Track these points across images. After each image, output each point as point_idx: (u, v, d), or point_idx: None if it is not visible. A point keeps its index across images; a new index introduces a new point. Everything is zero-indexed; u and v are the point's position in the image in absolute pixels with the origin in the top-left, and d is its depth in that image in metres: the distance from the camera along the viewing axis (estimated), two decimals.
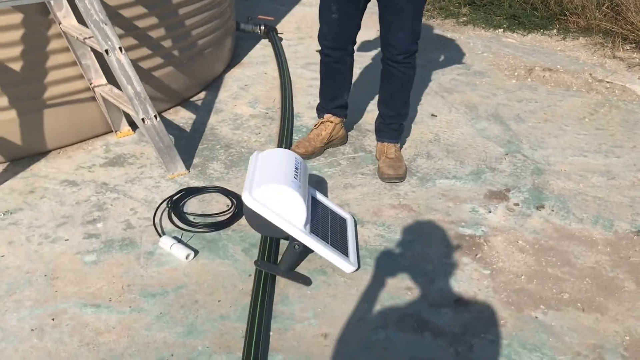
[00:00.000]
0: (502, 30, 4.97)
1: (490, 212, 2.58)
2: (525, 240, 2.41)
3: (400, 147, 3.03)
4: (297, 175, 2.11)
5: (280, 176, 2.06)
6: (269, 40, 4.54)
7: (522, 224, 2.51)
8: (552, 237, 2.43)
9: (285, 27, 4.95)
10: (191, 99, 3.61)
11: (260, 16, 4.67)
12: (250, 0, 5.68)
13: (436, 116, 3.47)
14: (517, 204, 2.64)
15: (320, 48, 2.84)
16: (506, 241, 2.40)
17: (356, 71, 3.97)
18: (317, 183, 2.76)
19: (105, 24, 2.36)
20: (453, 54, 4.47)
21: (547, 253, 2.33)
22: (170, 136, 3.09)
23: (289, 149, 2.97)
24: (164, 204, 2.52)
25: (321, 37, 2.78)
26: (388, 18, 2.60)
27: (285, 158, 2.20)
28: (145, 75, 3.15)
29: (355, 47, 2.84)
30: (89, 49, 2.71)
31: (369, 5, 2.69)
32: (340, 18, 2.66)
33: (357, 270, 2.18)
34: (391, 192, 2.72)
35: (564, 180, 2.84)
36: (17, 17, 2.58)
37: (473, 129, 3.32)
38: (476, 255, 2.31)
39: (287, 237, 2.08)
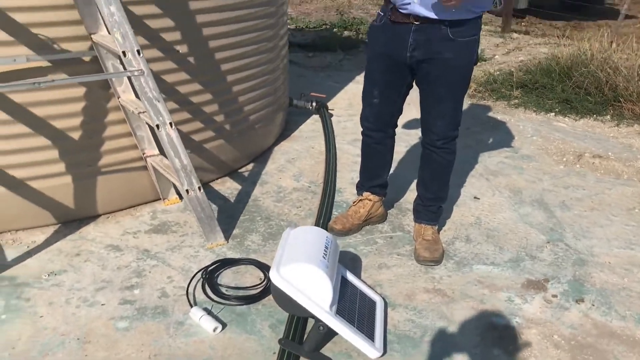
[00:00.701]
0: (553, 114, 4.95)
1: (526, 302, 2.52)
2: (562, 335, 2.32)
3: (439, 229, 3.03)
4: (326, 255, 2.14)
5: (309, 255, 2.09)
6: (320, 116, 4.67)
7: (559, 318, 2.43)
8: (590, 334, 2.33)
9: (338, 103, 5.10)
10: (239, 170, 3.74)
11: (312, 93, 4.84)
12: (305, 76, 5.90)
13: (479, 199, 3.46)
14: (555, 296, 2.57)
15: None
16: (541, 335, 2.32)
17: (401, 149, 4.03)
18: (352, 261, 2.77)
19: (158, 101, 2.52)
20: (502, 136, 4.47)
21: (584, 351, 2.24)
22: (214, 206, 3.20)
23: (327, 224, 3.02)
24: (199, 274, 2.58)
25: (363, 119, 2.86)
26: (429, 105, 2.66)
27: (316, 237, 2.24)
28: (196, 147, 3.30)
29: (401, 125, 2.90)
30: (144, 121, 2.88)
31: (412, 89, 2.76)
32: (381, 102, 2.74)
33: (382, 355, 2.15)
34: (426, 275, 2.70)
35: (607, 274, 2.75)
36: (80, 91, 2.78)
37: (516, 214, 3.28)
38: (508, 347, 2.24)
39: (313, 317, 2.09)
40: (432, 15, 2.43)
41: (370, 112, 2.82)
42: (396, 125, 2.90)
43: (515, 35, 8.38)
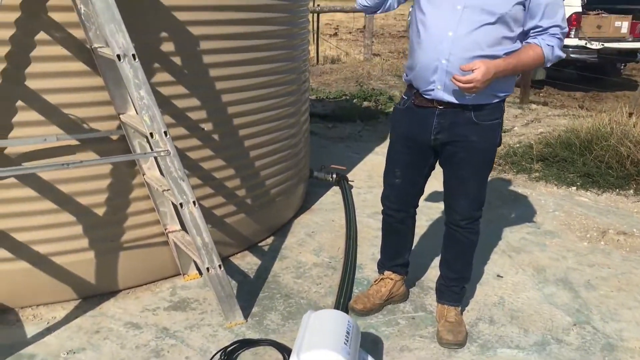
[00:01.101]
0: (575, 188, 4.92)
1: None
2: None
3: (462, 310, 2.97)
4: (348, 341, 2.10)
5: (330, 341, 2.06)
6: (340, 188, 4.70)
7: None
8: None
9: (357, 174, 5.14)
10: (259, 244, 3.74)
11: (333, 165, 4.88)
12: (325, 147, 5.97)
13: (502, 277, 3.40)
14: None
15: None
16: None
17: (422, 222, 4.01)
18: (373, 343, 2.71)
19: (182, 180, 2.56)
20: (523, 210, 4.44)
21: None
22: (233, 282, 3.19)
23: (348, 303, 2.98)
24: (218, 356, 2.54)
25: (384, 198, 2.87)
26: (452, 186, 2.67)
27: (338, 321, 2.21)
28: (217, 222, 3.33)
29: (423, 198, 2.90)
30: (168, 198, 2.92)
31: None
32: (403, 183, 2.76)
33: None
34: (450, 358, 2.63)
35: (638, 359, 2.66)
36: (106, 168, 2.85)
37: (540, 294, 3.21)
38: None
39: None
40: (455, 100, 2.47)
41: (392, 192, 2.83)
42: (417, 205, 2.90)
43: (533, 106, 8.45)
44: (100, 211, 2.88)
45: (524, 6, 2.36)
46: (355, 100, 8.53)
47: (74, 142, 2.73)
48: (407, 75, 2.66)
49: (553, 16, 2.37)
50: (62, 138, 2.68)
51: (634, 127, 5.30)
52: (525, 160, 5.48)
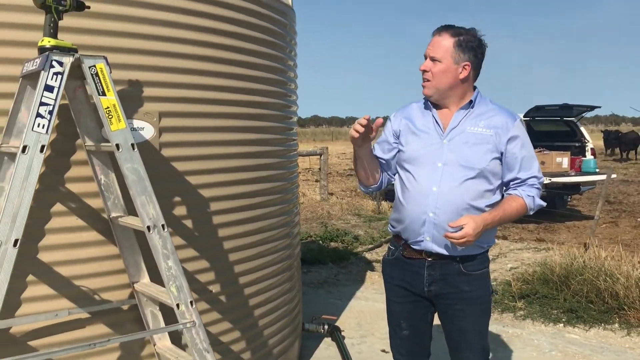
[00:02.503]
0: (562, 324, 4.97)
1: None
2: None
3: None
4: None
5: None
6: (332, 340, 4.56)
7: None
8: None
9: (346, 323, 5.02)
10: None
11: (324, 316, 4.78)
12: (306, 294, 5.87)
13: None
14: None
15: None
16: None
17: None
18: None
19: (208, 352, 2.43)
20: (521, 352, 4.40)
21: None
22: None
23: None
24: None
25: (395, 352, 2.80)
26: (454, 339, 2.64)
27: None
28: None
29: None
30: None
31: None
32: (411, 334, 2.72)
33: None
34: None
35: None
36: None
37: None
38: None
39: None
40: (444, 252, 2.52)
41: (402, 344, 2.77)
42: (430, 354, 2.83)
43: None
44: None
45: (501, 160, 2.51)
46: (321, 242, 8.57)
47: (85, 315, 2.59)
48: (393, 227, 2.72)
49: (529, 168, 2.52)
50: (74, 312, 2.53)
51: (606, 259, 5.50)
52: (507, 299, 5.53)
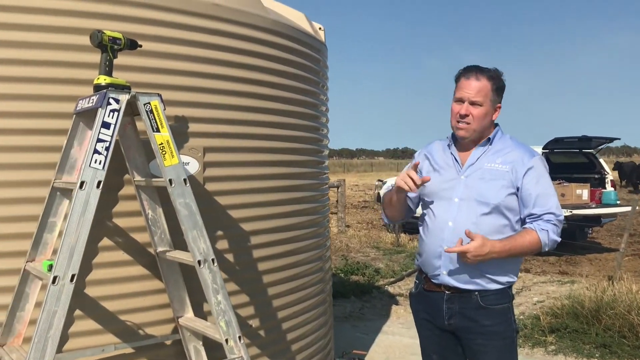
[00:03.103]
0: (595, 359, 4.88)
1: None
2: None
3: None
4: None
5: None
6: None
7: None
8: None
9: (374, 358, 4.96)
10: None
11: (354, 350, 4.73)
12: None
13: None
14: None
15: None
16: None
17: None
18: None
19: None
20: None
21: None
22: None
23: None
24: None
25: None
26: None
27: None
28: None
29: None
30: None
31: None
32: None
33: None
34: None
35: None
36: None
37: None
38: None
39: None
40: (461, 285, 2.51)
41: None
42: None
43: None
44: None
45: (517, 196, 2.51)
46: (342, 275, 8.52)
47: (130, 349, 2.58)
48: (417, 260, 2.75)
49: (545, 204, 2.49)
50: (120, 347, 2.53)
51: (637, 293, 5.42)
52: (537, 333, 5.45)
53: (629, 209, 8.94)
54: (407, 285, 7.99)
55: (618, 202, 10.84)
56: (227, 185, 2.93)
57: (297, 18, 3.64)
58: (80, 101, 2.31)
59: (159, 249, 2.57)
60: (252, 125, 3.07)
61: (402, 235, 11.55)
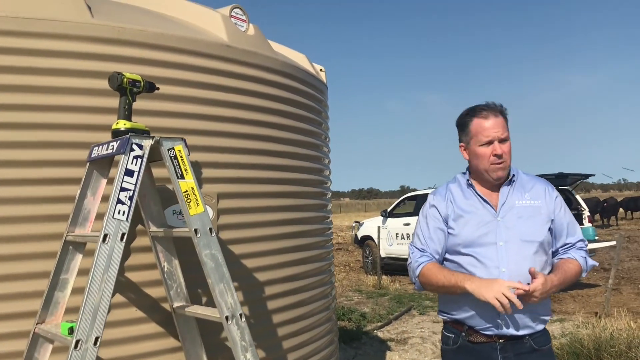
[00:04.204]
0: None
1: None
2: None
3: None
4: None
5: None
6: None
7: None
8: None
9: None
10: None
11: None
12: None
13: None
14: None
15: None
16: None
17: None
18: None
19: None
20: None
21: None
22: None
23: None
24: None
25: None
26: None
27: None
28: None
29: None
30: None
31: None
32: None
33: None
34: None
35: None
36: None
37: None
38: None
39: None
40: (517, 332, 2.39)
41: None
42: None
43: None
44: None
45: (551, 230, 2.46)
46: None
47: None
48: (453, 315, 2.53)
49: (575, 232, 2.50)
50: None
51: (636, 330, 5.38)
52: None
53: (610, 243, 9.02)
54: (396, 329, 7.83)
55: (596, 237, 10.96)
56: (241, 233, 2.78)
57: (299, 59, 3.57)
58: (95, 148, 2.15)
59: (176, 304, 2.39)
60: (262, 169, 2.94)
61: (384, 277, 11.40)
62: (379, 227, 12.13)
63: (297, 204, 3.25)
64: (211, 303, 2.51)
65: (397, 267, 12.24)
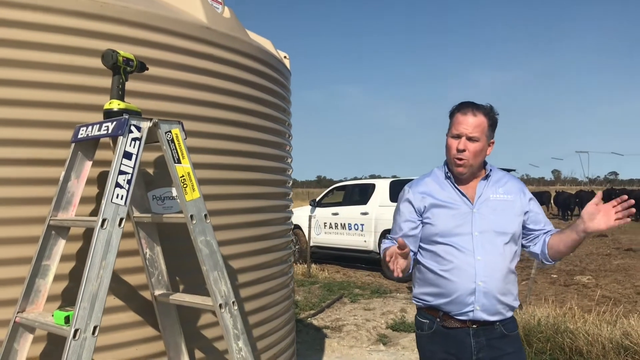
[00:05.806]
0: None
1: None
2: None
3: None
4: None
5: None
6: None
7: None
8: None
9: None
10: None
11: None
12: None
13: None
14: None
15: None
16: None
17: None
18: None
19: None
20: None
21: None
22: None
23: None
24: None
25: None
26: None
27: None
28: None
29: None
30: None
31: None
32: None
33: None
34: None
35: None
36: None
37: None
38: None
39: None
40: (493, 318, 2.53)
41: None
42: None
43: None
44: None
45: (524, 223, 2.63)
46: None
47: None
48: (427, 301, 2.64)
49: (549, 223, 2.69)
50: None
51: (564, 316, 5.73)
52: None
53: None
54: (329, 317, 7.92)
55: None
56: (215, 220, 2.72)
57: (266, 45, 3.53)
58: (83, 128, 2.04)
59: (157, 292, 2.32)
60: (231, 155, 2.89)
61: (313, 265, 11.50)
62: (309, 217, 12.19)
63: (262, 191, 3.22)
64: (190, 290, 2.46)
65: (324, 255, 12.39)
